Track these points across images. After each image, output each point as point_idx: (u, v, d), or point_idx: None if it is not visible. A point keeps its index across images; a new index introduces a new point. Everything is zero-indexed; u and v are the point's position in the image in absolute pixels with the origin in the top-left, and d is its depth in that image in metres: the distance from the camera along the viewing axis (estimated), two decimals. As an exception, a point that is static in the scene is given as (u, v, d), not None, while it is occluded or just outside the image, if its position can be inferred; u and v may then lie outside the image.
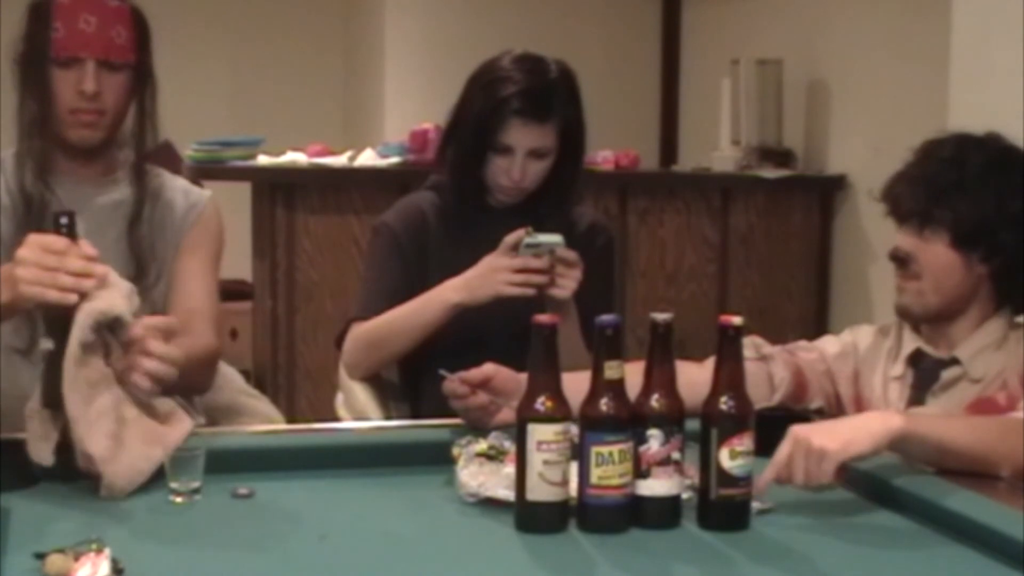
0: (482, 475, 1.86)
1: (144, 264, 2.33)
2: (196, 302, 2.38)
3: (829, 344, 2.34)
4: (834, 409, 2.28)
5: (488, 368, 2.09)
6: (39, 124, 2.27)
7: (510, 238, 2.34)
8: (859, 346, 2.33)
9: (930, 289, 2.20)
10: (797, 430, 1.84)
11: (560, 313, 2.19)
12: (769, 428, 1.91)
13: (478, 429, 2.04)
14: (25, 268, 1.88)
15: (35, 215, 2.25)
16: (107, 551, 1.51)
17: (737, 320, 1.76)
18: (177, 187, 2.44)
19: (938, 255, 2.20)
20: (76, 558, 1.49)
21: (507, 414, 2.03)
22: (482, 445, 1.93)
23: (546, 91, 2.44)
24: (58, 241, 1.90)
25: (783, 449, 1.82)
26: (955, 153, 2.22)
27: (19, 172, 2.29)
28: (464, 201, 2.52)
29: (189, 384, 2.32)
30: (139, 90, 2.31)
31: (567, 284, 2.34)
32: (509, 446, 1.88)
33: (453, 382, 2.07)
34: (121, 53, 2.26)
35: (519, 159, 2.44)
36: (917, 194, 2.20)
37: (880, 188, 2.31)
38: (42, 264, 1.88)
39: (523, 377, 2.01)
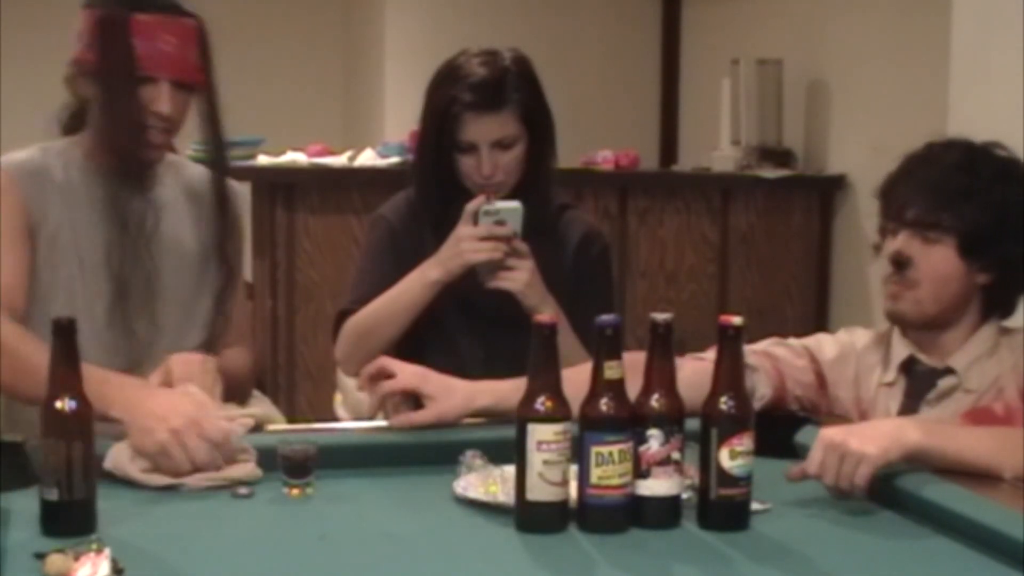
0: (475, 478, 1.87)
1: (233, 274, 2.39)
2: (235, 315, 2.43)
3: (827, 347, 2.31)
4: (812, 414, 2.25)
5: (410, 375, 2.14)
6: (129, 138, 2.25)
7: (470, 206, 2.37)
8: (857, 345, 2.31)
9: (928, 297, 2.17)
10: (831, 434, 1.84)
11: (532, 307, 2.31)
12: (769, 428, 1.92)
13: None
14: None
15: (124, 217, 2.27)
16: (107, 551, 1.51)
17: (737, 320, 1.76)
18: (209, 177, 2.45)
19: (941, 262, 2.17)
20: (76, 558, 1.49)
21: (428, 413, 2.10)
22: (479, 462, 1.93)
23: (495, 80, 2.43)
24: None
25: (815, 456, 1.83)
26: (964, 160, 2.19)
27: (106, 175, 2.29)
28: (429, 207, 2.53)
29: (231, 399, 2.35)
30: (209, 109, 2.33)
31: (518, 277, 2.37)
32: (482, 464, 1.91)
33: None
34: (193, 74, 2.27)
35: (484, 153, 2.44)
36: (925, 198, 2.17)
37: (878, 189, 2.28)
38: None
39: (453, 382, 2.11)
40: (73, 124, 2.33)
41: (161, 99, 2.22)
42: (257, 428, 2.07)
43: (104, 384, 1.94)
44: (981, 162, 2.20)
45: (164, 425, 1.90)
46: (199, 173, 2.42)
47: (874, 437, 1.82)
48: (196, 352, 2.26)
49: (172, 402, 1.98)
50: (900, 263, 2.18)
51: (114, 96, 2.23)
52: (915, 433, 1.84)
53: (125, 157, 2.27)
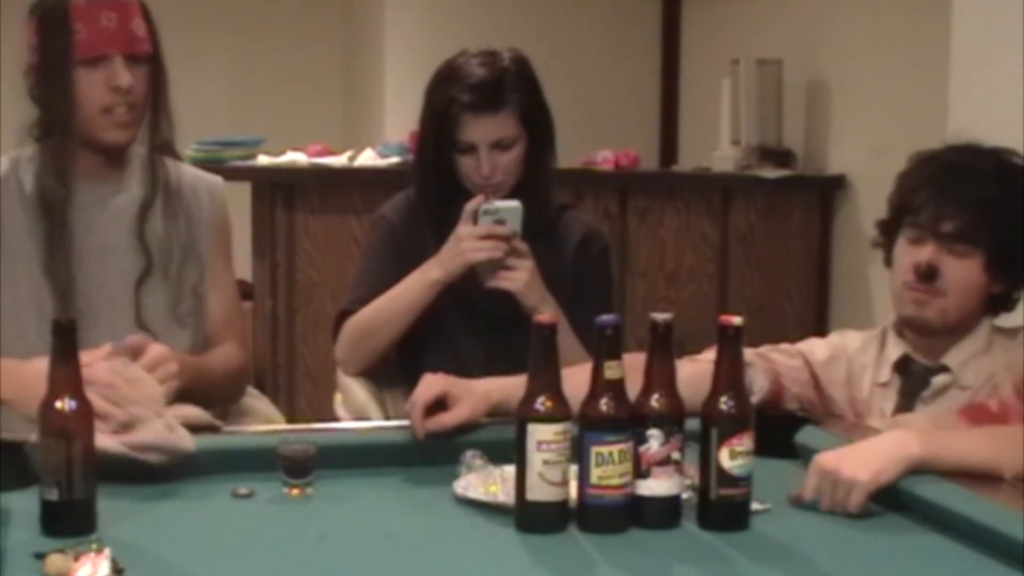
0: (475, 478, 1.87)
1: (152, 258, 2.34)
2: (223, 312, 2.43)
3: (817, 349, 2.30)
4: (811, 414, 2.25)
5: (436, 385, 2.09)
6: (63, 129, 2.25)
7: (470, 205, 2.38)
8: (848, 347, 2.31)
9: (954, 306, 2.16)
10: (824, 460, 1.83)
11: (532, 307, 2.32)
12: (769, 428, 1.92)
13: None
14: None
15: (55, 217, 2.26)
16: (107, 551, 1.51)
17: (737, 320, 1.76)
18: (194, 174, 2.46)
19: (970, 274, 2.15)
20: (76, 558, 1.49)
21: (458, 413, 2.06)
22: (479, 462, 1.93)
23: (494, 81, 2.44)
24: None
25: (810, 482, 1.83)
26: (996, 171, 2.17)
27: (40, 175, 2.28)
28: (429, 207, 2.53)
29: (224, 397, 2.37)
30: (155, 82, 2.31)
31: (518, 277, 2.37)
32: (482, 464, 1.90)
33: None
34: (143, 45, 2.27)
35: (483, 154, 2.44)
36: (964, 213, 2.13)
37: (896, 194, 2.24)
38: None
39: (469, 382, 2.09)
40: (44, 134, 2.33)
41: (117, 74, 2.22)
42: (210, 429, 2.06)
43: None
44: (1010, 174, 2.17)
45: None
46: (173, 169, 2.42)
47: (868, 461, 1.81)
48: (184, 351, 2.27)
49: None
50: (930, 274, 2.15)
51: (65, 83, 2.22)
52: (915, 446, 1.83)
53: (96, 145, 2.28)
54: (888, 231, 2.26)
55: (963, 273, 2.15)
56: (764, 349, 2.29)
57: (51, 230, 2.26)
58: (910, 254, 2.18)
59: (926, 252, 2.16)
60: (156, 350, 2.12)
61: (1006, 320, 2.28)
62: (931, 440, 1.86)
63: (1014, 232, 2.14)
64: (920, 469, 1.83)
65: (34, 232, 2.27)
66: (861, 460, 1.81)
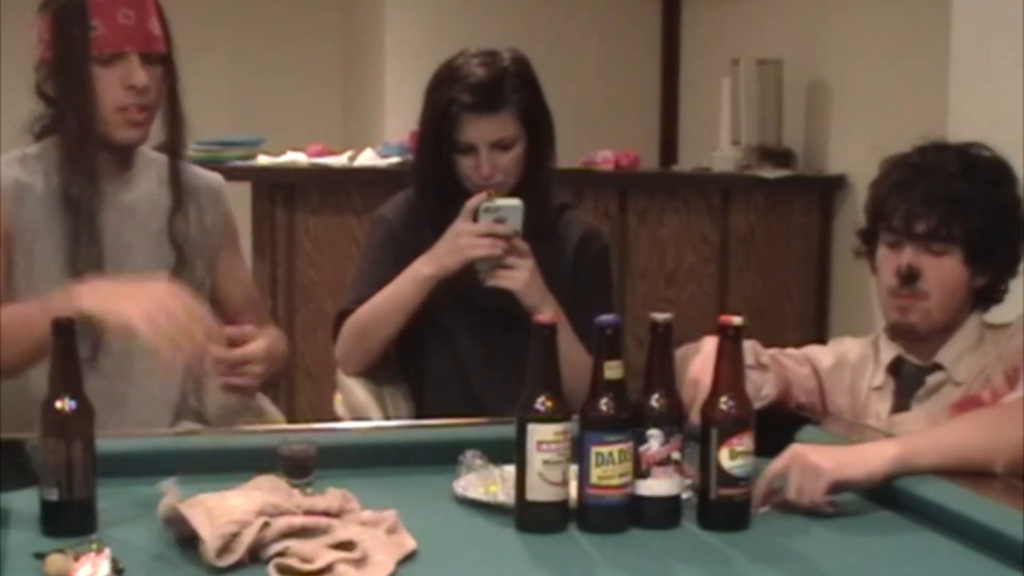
0: (475, 478, 1.87)
1: (183, 255, 2.35)
2: (246, 298, 2.48)
3: (823, 356, 2.32)
4: (811, 414, 2.25)
5: None
6: (82, 125, 2.24)
7: (471, 203, 2.38)
8: (849, 355, 2.32)
9: (937, 307, 2.18)
10: (796, 447, 1.84)
11: (532, 306, 2.32)
12: (769, 428, 1.92)
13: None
14: None
15: (82, 216, 2.26)
16: (107, 551, 1.51)
17: (737, 320, 1.76)
18: (196, 173, 2.46)
19: (950, 271, 2.17)
20: (76, 558, 1.49)
21: None
22: (479, 462, 1.93)
23: (494, 81, 2.44)
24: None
25: (779, 462, 1.83)
26: (962, 166, 2.19)
27: (65, 173, 2.27)
28: (429, 207, 2.53)
29: (275, 377, 2.42)
30: (169, 82, 2.30)
31: (518, 276, 2.37)
32: (482, 464, 1.91)
33: None
34: (158, 44, 2.25)
35: (483, 154, 2.44)
36: (933, 211, 2.16)
37: (870, 202, 2.27)
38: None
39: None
40: (45, 133, 2.32)
41: (133, 73, 2.21)
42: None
43: (61, 291, 2.05)
44: (977, 167, 2.20)
45: (137, 297, 1.98)
46: (190, 172, 2.42)
47: (837, 454, 1.81)
48: None
49: (138, 283, 2.06)
50: (911, 277, 2.18)
51: (83, 78, 2.21)
52: (892, 447, 1.82)
53: (107, 143, 2.27)
54: (868, 240, 2.29)
55: (944, 271, 2.18)
56: (774, 352, 2.29)
57: (78, 229, 2.25)
58: (890, 259, 2.21)
59: (905, 255, 2.19)
60: (252, 348, 2.17)
61: (1002, 317, 2.29)
62: (909, 440, 1.85)
63: (987, 223, 2.17)
64: (904, 469, 1.82)
65: (53, 231, 2.26)
66: (832, 453, 1.81)
